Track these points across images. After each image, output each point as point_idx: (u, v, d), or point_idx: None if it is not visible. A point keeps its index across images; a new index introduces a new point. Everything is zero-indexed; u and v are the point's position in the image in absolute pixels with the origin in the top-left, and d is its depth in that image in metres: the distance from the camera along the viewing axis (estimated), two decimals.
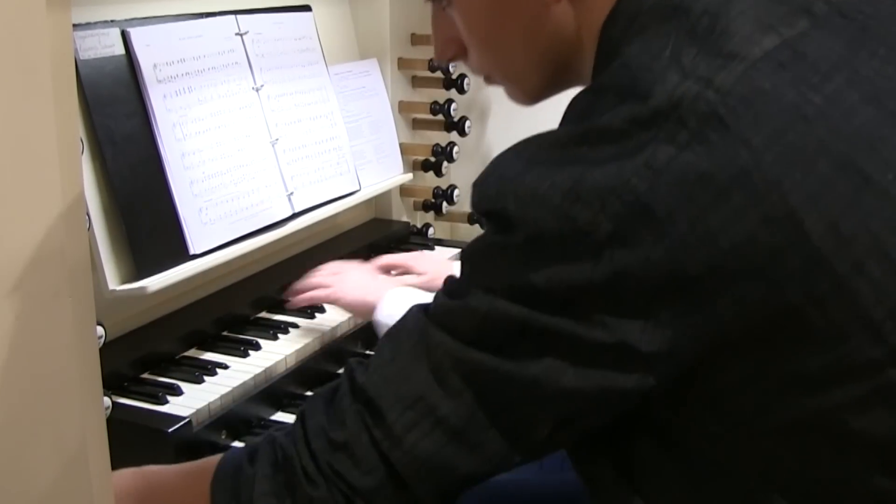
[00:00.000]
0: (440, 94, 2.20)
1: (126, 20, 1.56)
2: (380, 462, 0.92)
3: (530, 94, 1.07)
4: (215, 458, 1.05)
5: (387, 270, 1.81)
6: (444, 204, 2.23)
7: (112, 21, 1.54)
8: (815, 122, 0.83)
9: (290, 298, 1.71)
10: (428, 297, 1.23)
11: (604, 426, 0.93)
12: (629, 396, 0.88)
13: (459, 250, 2.09)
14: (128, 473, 1.14)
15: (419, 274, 1.78)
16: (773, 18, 0.87)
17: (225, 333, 1.66)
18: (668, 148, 0.81)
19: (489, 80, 1.09)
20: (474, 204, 0.91)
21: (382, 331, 1.51)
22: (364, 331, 1.72)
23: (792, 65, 0.84)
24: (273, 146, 1.77)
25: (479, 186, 0.90)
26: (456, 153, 2.21)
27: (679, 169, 0.81)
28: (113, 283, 1.47)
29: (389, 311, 1.53)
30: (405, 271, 1.80)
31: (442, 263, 1.85)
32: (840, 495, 0.87)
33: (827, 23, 0.88)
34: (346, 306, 1.66)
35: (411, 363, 0.92)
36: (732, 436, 0.88)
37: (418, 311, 0.95)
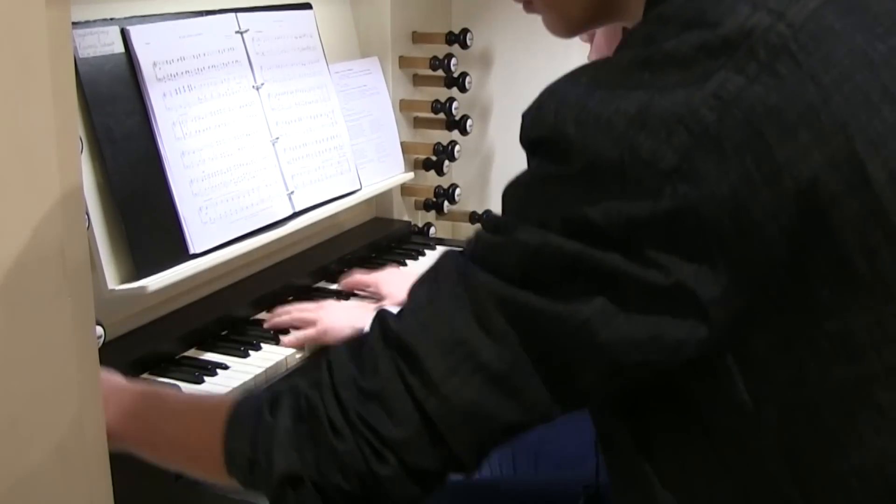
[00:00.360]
0: (441, 93, 2.20)
1: (126, 18, 1.56)
2: (414, 411, 0.87)
3: (570, 24, 1.02)
4: (228, 398, 1.01)
5: (356, 289, 1.81)
6: (446, 203, 2.23)
7: (111, 19, 1.54)
8: (881, 68, 0.82)
9: (270, 329, 1.67)
10: None
11: (636, 388, 0.90)
12: (681, 347, 0.84)
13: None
14: (130, 392, 1.10)
15: (383, 296, 1.75)
16: None
17: (225, 333, 1.66)
18: (737, 78, 0.79)
19: (528, 5, 1.03)
20: (525, 133, 0.86)
21: None
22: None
23: (858, 12, 0.84)
24: (273, 145, 1.77)
25: (534, 112, 0.85)
26: (457, 152, 2.21)
27: (748, 101, 0.79)
28: (112, 282, 1.47)
29: None
30: (374, 291, 1.79)
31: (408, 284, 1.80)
32: (858, 493, 0.86)
33: None
34: (334, 340, 1.59)
35: (450, 305, 0.87)
36: (760, 412, 0.86)
37: (454, 252, 0.90)
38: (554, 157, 0.83)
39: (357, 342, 0.93)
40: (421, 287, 0.91)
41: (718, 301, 0.82)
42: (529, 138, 0.86)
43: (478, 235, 0.88)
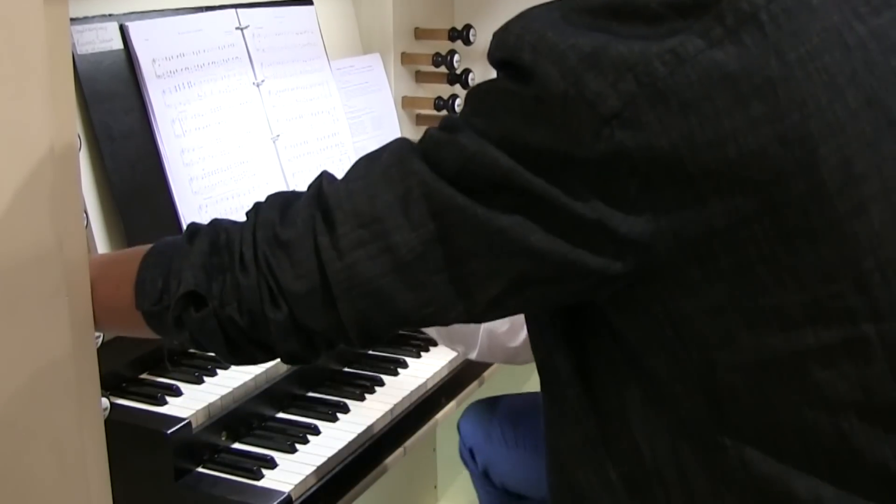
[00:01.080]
0: (444, 90, 2.20)
1: (124, 14, 1.56)
2: (316, 269, 0.90)
3: None
4: (147, 246, 1.03)
5: None
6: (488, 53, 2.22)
7: (110, 15, 1.54)
8: (854, 51, 0.82)
9: None
10: None
11: (567, 318, 0.93)
12: (590, 277, 0.86)
13: None
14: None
15: None
16: None
17: None
18: (698, 41, 0.80)
19: None
20: (490, 52, 0.89)
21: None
22: None
23: None
24: (274, 142, 1.77)
25: (500, 34, 0.88)
26: None
27: (705, 64, 0.80)
28: None
29: None
30: None
31: None
32: (787, 444, 0.87)
33: None
34: None
35: (381, 183, 0.89)
36: (692, 363, 0.87)
37: (404, 138, 0.93)
38: (510, 77, 0.85)
39: (292, 194, 0.97)
40: (364, 159, 0.93)
41: (643, 245, 0.83)
42: (493, 57, 0.88)
43: (428, 129, 0.91)
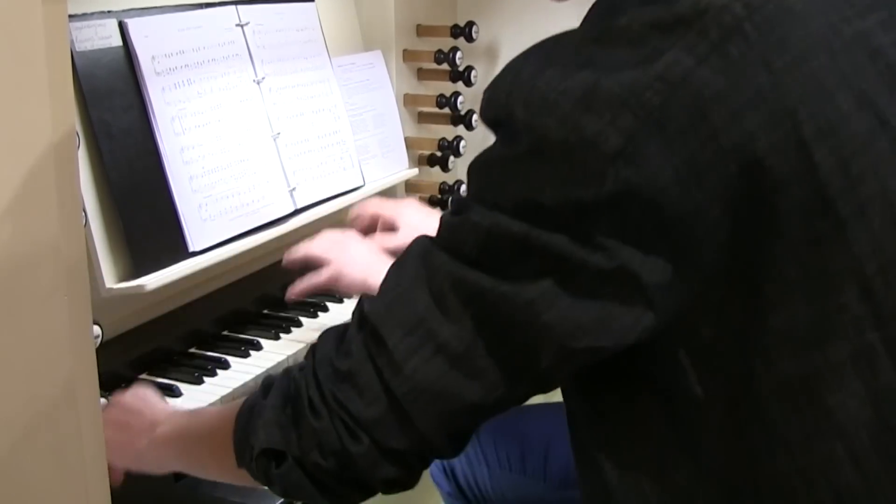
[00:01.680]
0: (447, 87, 2.20)
1: (123, 11, 1.56)
2: (382, 392, 0.91)
3: None
4: (243, 400, 1.05)
5: (369, 228, 1.71)
6: (451, 200, 2.23)
7: (109, 12, 1.54)
8: (840, 55, 0.82)
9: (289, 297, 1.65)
10: None
11: (601, 368, 0.92)
12: (627, 333, 0.86)
13: None
14: (181, 414, 1.18)
15: (398, 228, 1.66)
16: None
17: (225, 333, 1.66)
18: (687, 59, 0.80)
19: None
20: (482, 111, 0.89)
21: None
22: None
23: None
24: (275, 140, 1.77)
25: (490, 91, 0.88)
26: (463, 147, 2.21)
27: (695, 84, 0.80)
28: (110, 281, 1.47)
29: None
30: (389, 226, 1.68)
31: (429, 215, 1.70)
32: (803, 495, 0.87)
33: None
34: (346, 287, 1.56)
35: (413, 288, 0.90)
36: (709, 405, 0.87)
37: (423, 237, 0.93)
38: (506, 137, 0.86)
39: (342, 325, 0.97)
40: (392, 269, 0.94)
41: (664, 287, 0.83)
42: (486, 117, 0.88)
43: (442, 217, 0.91)
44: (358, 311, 0.95)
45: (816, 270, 0.82)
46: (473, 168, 0.90)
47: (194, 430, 1.14)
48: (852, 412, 0.84)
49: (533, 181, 0.83)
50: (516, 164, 0.84)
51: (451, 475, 1.69)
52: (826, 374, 0.84)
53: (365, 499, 0.98)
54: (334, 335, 0.97)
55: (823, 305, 0.83)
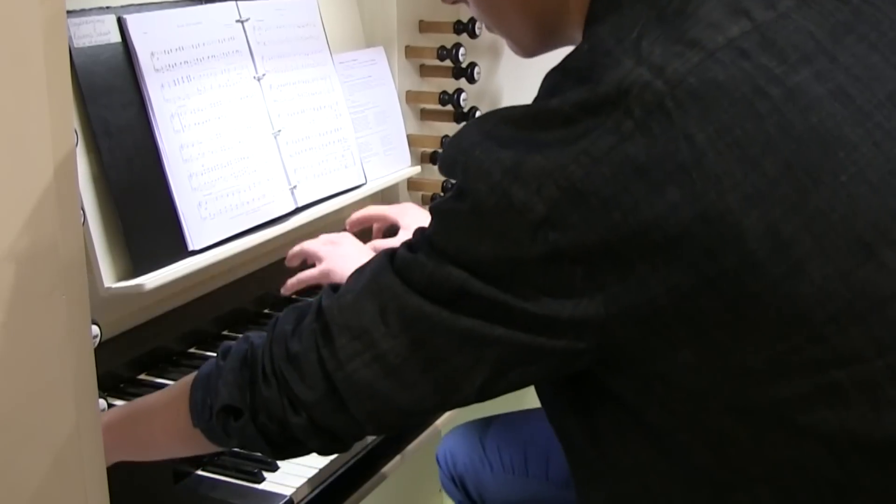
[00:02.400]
0: (449, 84, 2.20)
1: (122, 6, 1.56)
2: (322, 379, 1.01)
3: (525, 50, 1.13)
4: (193, 374, 1.17)
5: (366, 231, 1.76)
6: (416, 230, 2.22)
7: (108, 7, 1.54)
8: (767, 118, 0.84)
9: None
10: None
11: (568, 387, 1.01)
12: (560, 355, 0.93)
13: None
14: (114, 408, 1.28)
15: (399, 228, 1.73)
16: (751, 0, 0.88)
17: (225, 333, 1.66)
18: (610, 137, 0.84)
19: (490, 29, 1.14)
20: (439, 167, 0.99)
21: None
22: None
23: (757, 53, 0.86)
24: (275, 138, 1.77)
25: (442, 153, 0.98)
26: None
27: (618, 159, 0.84)
28: (108, 280, 1.47)
29: None
30: (388, 225, 1.75)
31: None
32: (795, 480, 0.90)
33: (815, 3, 0.90)
34: (337, 281, 1.59)
35: (364, 298, 1.00)
36: (687, 413, 0.92)
37: (384, 254, 1.03)
38: (454, 195, 0.94)
39: (305, 306, 1.08)
40: (354, 274, 1.05)
41: (597, 324, 0.89)
42: (442, 172, 0.98)
43: (399, 247, 1.01)
44: (317, 302, 1.05)
45: (759, 323, 0.85)
46: (433, 210, 0.98)
47: (142, 410, 1.23)
48: (828, 428, 0.87)
49: (473, 236, 0.91)
50: (461, 219, 0.92)
51: (460, 484, 1.70)
52: (793, 401, 0.87)
53: (308, 454, 1.11)
54: (295, 315, 1.08)
55: (773, 350, 0.86)
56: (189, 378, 1.17)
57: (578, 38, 1.02)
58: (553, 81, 0.93)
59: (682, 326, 0.87)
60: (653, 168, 0.84)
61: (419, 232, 1.00)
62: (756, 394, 0.87)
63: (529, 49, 1.12)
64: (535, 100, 0.93)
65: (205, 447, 1.15)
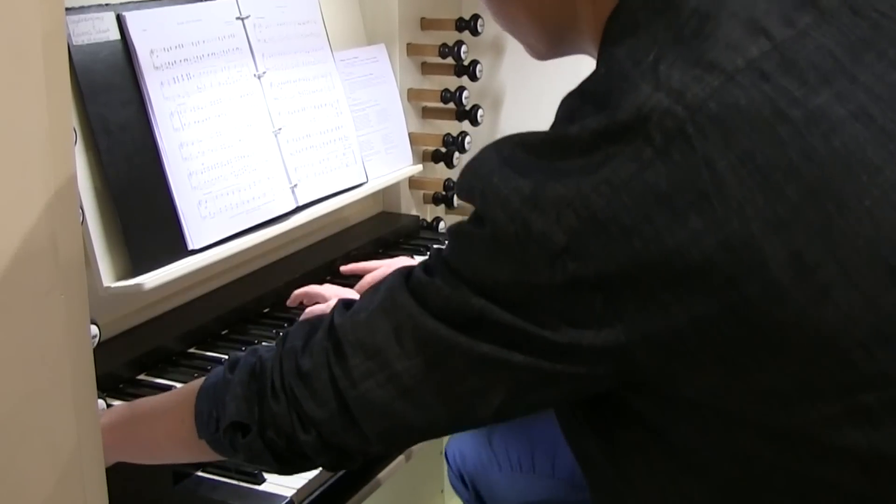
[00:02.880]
0: (451, 82, 2.20)
1: (121, 4, 1.56)
2: (333, 398, 1.01)
3: (538, 54, 1.13)
4: (200, 380, 1.15)
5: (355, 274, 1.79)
6: (455, 197, 2.23)
7: (107, 5, 1.54)
8: (789, 143, 0.83)
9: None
10: None
11: (587, 407, 0.99)
12: (581, 381, 0.92)
13: None
14: (121, 405, 1.26)
15: None
16: (769, 17, 0.87)
17: (225, 332, 1.66)
18: (631, 165, 0.83)
19: (505, 29, 1.14)
20: (457, 191, 0.98)
21: None
22: None
23: (777, 75, 0.85)
24: (276, 136, 1.77)
25: (460, 177, 0.95)
26: (468, 143, 2.21)
27: (639, 187, 0.83)
28: (107, 279, 1.47)
29: None
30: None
31: None
32: (822, 495, 0.89)
33: (834, 19, 0.89)
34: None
35: (379, 317, 0.99)
36: (711, 432, 0.90)
37: (399, 273, 1.01)
38: (473, 219, 0.93)
39: (315, 321, 1.07)
40: (368, 292, 1.04)
41: (619, 351, 0.88)
42: (460, 196, 0.97)
43: (415, 268, 1.00)
44: (329, 319, 1.04)
45: (785, 349, 0.84)
46: (450, 232, 0.97)
47: (145, 413, 1.21)
48: (857, 448, 0.86)
49: (492, 262, 0.90)
50: (480, 244, 0.91)
51: (470, 483, 1.71)
52: (820, 423, 0.86)
53: (315, 468, 1.12)
54: (305, 330, 1.06)
55: (800, 375, 0.85)
56: (194, 385, 1.15)
57: (592, 50, 1.01)
58: (571, 106, 0.92)
59: (705, 353, 0.86)
60: (674, 196, 0.83)
61: (435, 253, 0.99)
62: (783, 415, 0.86)
63: (542, 54, 1.12)
64: (553, 125, 0.92)
65: (209, 456, 1.15)
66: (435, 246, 0.96)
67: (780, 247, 0.82)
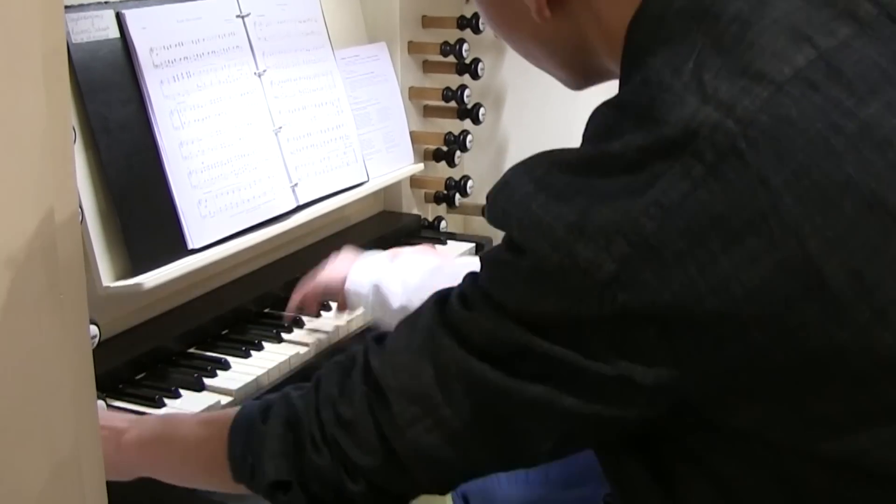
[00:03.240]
0: (453, 80, 2.19)
1: (121, 1, 1.56)
2: (380, 445, 0.97)
3: (569, 85, 1.10)
4: (232, 410, 1.12)
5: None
6: (457, 196, 2.23)
7: (106, 2, 1.54)
8: (844, 156, 0.80)
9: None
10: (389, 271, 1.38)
11: (632, 440, 0.95)
12: (631, 423, 0.89)
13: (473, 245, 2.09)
14: (151, 420, 1.23)
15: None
16: (810, 26, 0.84)
17: (225, 333, 1.66)
18: (681, 184, 0.80)
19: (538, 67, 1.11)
20: (487, 218, 0.93)
21: (353, 299, 1.55)
22: (373, 330, 1.72)
23: (826, 84, 0.82)
24: (276, 135, 1.77)
25: (490, 203, 0.91)
26: (469, 142, 2.21)
27: (691, 209, 0.80)
28: (107, 279, 1.47)
29: (356, 279, 1.54)
30: None
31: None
32: None
33: (874, 29, 0.86)
34: (323, 285, 1.60)
35: (420, 359, 0.95)
36: (759, 460, 0.88)
37: (434, 305, 0.97)
38: (510, 247, 0.89)
39: (350, 360, 1.03)
40: (403, 328, 1.00)
41: (670, 390, 0.85)
42: (491, 222, 0.92)
43: (450, 302, 0.95)
44: (363, 361, 1.00)
45: (843, 372, 0.82)
46: (486, 261, 0.92)
47: (175, 438, 1.18)
48: None
49: (535, 293, 0.86)
50: (521, 276, 0.87)
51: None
52: (877, 447, 0.84)
53: None
54: (338, 373, 1.03)
55: (857, 399, 0.83)
56: (225, 417, 1.11)
57: (614, 67, 0.97)
58: (607, 119, 0.87)
59: (759, 382, 0.83)
60: (730, 217, 0.79)
61: (470, 282, 0.94)
62: (834, 442, 0.84)
63: (575, 84, 1.09)
64: (588, 140, 0.88)
65: (245, 491, 1.10)
66: (468, 273, 0.92)
67: (839, 265, 0.79)
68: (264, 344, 1.61)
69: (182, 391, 1.46)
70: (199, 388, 1.48)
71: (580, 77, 1.07)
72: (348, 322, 1.71)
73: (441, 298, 0.97)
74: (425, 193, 2.26)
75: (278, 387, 1.53)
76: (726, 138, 0.80)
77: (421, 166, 2.17)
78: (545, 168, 0.87)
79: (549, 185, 0.85)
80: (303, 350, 1.62)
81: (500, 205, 0.89)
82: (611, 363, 0.85)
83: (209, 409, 1.43)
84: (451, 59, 2.17)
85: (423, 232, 2.17)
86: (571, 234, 0.82)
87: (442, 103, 2.20)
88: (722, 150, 0.80)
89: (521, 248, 0.86)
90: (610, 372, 0.85)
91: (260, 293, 1.75)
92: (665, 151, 0.81)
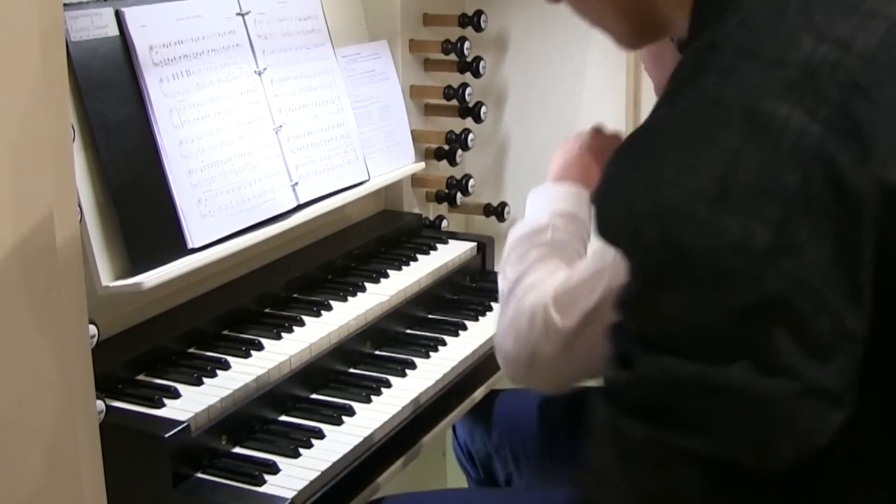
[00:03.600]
0: (454, 78, 2.19)
1: None
2: None
3: (622, 42, 1.06)
4: None
5: None
6: (459, 195, 2.23)
7: (105, 0, 1.54)
8: None
9: None
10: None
11: None
12: (826, 433, 0.80)
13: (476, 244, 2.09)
14: None
15: None
16: None
17: (225, 332, 1.66)
18: (813, 127, 0.75)
19: (590, 24, 1.07)
20: (601, 230, 0.84)
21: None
22: (372, 330, 1.72)
23: None
24: (277, 133, 1.77)
25: (601, 207, 0.84)
26: (471, 141, 2.21)
27: (828, 153, 0.75)
28: (106, 278, 1.47)
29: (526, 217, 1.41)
30: None
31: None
32: None
33: None
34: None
35: (640, 479, 0.84)
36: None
37: (603, 403, 0.85)
38: (642, 263, 0.80)
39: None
40: (599, 457, 0.87)
41: (851, 383, 0.78)
42: (606, 237, 0.84)
43: (608, 379, 0.85)
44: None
45: None
46: (622, 303, 0.83)
47: None
48: None
49: (688, 305, 0.77)
50: (662, 291, 0.79)
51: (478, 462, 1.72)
52: None
53: None
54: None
55: None
56: None
57: (682, 25, 0.92)
58: (698, 62, 0.82)
59: None
60: (868, 153, 0.75)
61: (616, 338, 0.84)
62: None
63: (630, 43, 1.06)
64: (680, 92, 0.82)
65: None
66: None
67: None
68: (264, 343, 1.62)
69: (181, 391, 1.46)
70: (199, 387, 1.48)
71: (639, 36, 1.03)
72: (348, 321, 1.71)
73: (603, 396, 0.86)
74: (426, 192, 2.26)
75: (279, 387, 1.54)
76: (849, 75, 0.77)
77: (422, 165, 2.17)
78: (651, 141, 0.82)
79: (668, 158, 0.79)
80: (303, 349, 1.62)
81: (619, 204, 0.81)
82: (790, 372, 0.76)
83: (209, 409, 1.43)
84: (453, 57, 2.17)
85: (424, 231, 2.17)
86: (715, 210, 0.75)
87: (443, 102, 2.20)
88: (845, 87, 0.77)
89: (657, 251, 0.78)
90: (795, 387, 0.76)
91: (260, 293, 1.76)
92: (785, 94, 0.77)
